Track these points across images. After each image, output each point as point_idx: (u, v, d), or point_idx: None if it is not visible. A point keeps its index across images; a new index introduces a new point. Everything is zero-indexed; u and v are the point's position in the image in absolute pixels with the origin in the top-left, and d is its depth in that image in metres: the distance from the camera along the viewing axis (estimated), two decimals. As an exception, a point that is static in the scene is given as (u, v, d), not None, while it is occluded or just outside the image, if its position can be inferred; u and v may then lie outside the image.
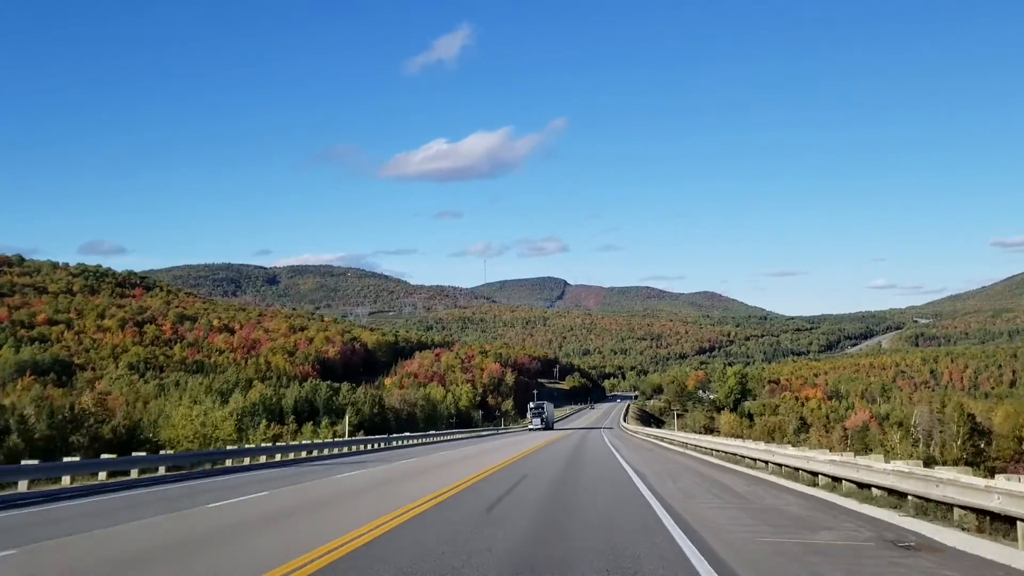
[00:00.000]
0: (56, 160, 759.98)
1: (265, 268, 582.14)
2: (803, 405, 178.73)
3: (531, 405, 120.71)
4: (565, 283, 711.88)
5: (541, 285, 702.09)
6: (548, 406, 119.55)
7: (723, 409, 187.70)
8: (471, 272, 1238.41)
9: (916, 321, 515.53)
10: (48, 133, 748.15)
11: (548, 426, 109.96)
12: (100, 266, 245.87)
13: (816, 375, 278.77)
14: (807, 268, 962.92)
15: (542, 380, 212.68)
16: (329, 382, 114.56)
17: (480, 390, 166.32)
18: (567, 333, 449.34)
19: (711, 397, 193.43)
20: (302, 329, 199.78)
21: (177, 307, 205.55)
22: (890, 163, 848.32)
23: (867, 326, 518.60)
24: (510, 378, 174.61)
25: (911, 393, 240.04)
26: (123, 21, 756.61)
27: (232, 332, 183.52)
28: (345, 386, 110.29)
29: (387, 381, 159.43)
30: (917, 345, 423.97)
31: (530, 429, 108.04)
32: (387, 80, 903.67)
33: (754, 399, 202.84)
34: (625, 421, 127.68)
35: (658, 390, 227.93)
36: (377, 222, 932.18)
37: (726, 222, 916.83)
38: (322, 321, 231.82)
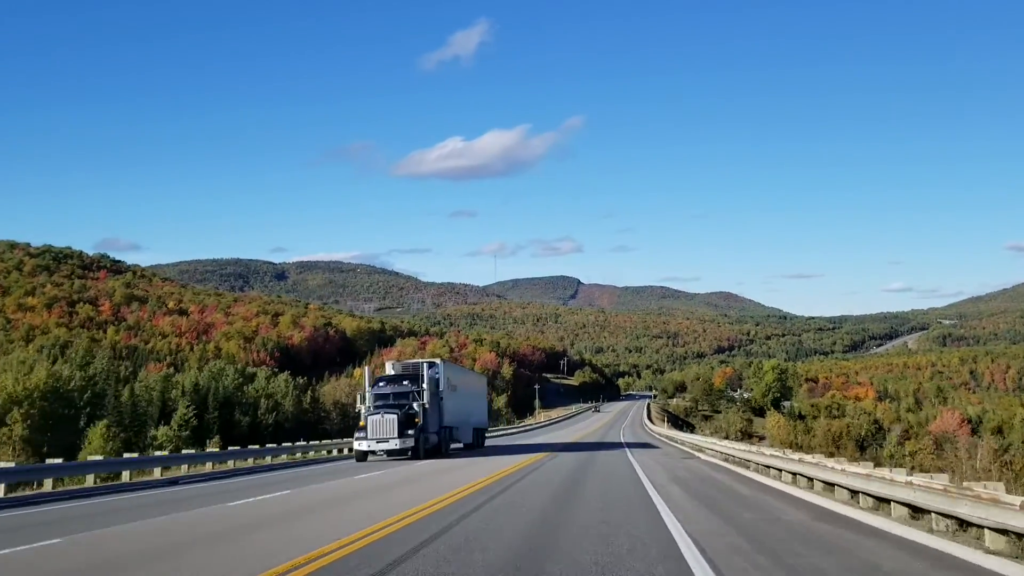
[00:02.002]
0: (74, 157, 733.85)
1: (274, 264, 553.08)
2: (855, 405, 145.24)
3: (375, 383, 34.23)
4: (578, 282, 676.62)
5: (554, 284, 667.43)
6: (438, 381, 33.59)
7: (762, 410, 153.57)
8: (485, 271, 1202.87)
9: (941, 322, 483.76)
10: (64, 128, 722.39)
11: (435, 447, 33.11)
12: (69, 248, 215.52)
13: (854, 374, 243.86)
14: (823, 271, 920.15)
15: (547, 375, 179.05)
16: (244, 367, 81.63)
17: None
18: (580, 330, 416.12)
19: (745, 396, 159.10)
20: (277, 314, 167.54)
21: (138, 290, 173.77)
22: (906, 167, 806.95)
23: (891, 326, 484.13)
24: (507, 370, 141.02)
25: (967, 395, 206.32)
26: (134, 14, 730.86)
27: (186, 315, 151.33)
28: (263, 372, 77.23)
29: (356, 372, 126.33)
30: (945, 345, 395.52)
31: (364, 451, 31.16)
32: (402, 77, 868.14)
33: (789, 399, 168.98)
34: (651, 421, 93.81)
35: (680, 388, 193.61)
36: (391, 221, 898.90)
37: (742, 224, 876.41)
38: (305, 308, 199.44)
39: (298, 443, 39.92)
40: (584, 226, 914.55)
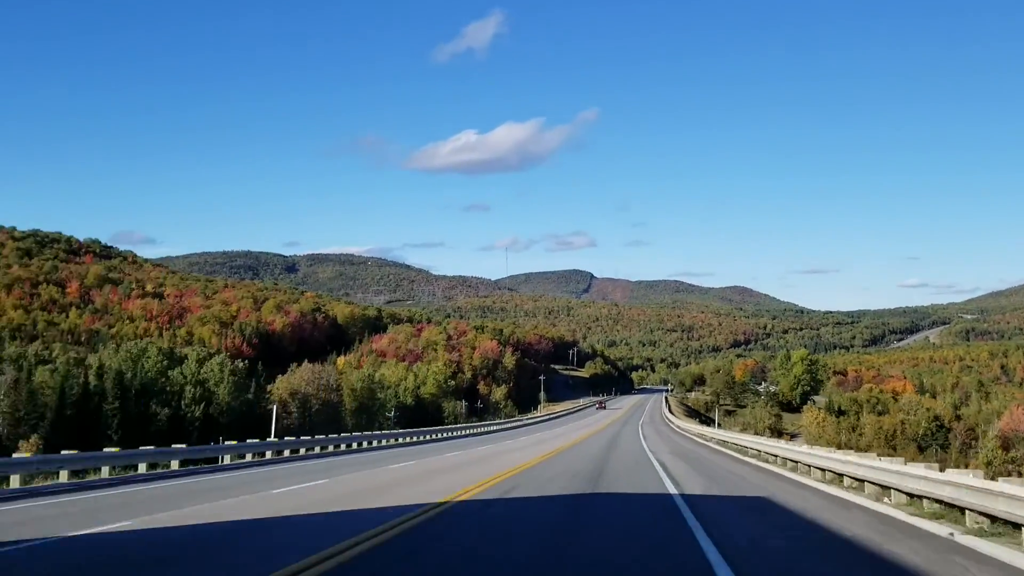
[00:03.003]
0: (92, 150, 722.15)
1: (284, 256, 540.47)
2: (909, 400, 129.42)
3: None
4: (591, 276, 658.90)
5: (567, 278, 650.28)
6: None
7: (790, 404, 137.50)
8: (498, 266, 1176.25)
9: (962, 316, 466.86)
10: (80, 122, 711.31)
11: None
12: (59, 233, 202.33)
13: (881, 367, 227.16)
14: (838, 266, 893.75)
15: (556, 366, 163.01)
16: (171, 348, 66.79)
17: (469, 374, 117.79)
18: (592, 323, 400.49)
19: (771, 389, 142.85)
20: (264, 300, 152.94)
21: (116, 273, 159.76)
22: (923, 162, 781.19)
23: (911, 321, 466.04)
24: (509, 359, 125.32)
25: (1011, 390, 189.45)
26: (145, 7, 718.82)
27: (161, 298, 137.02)
28: (194, 354, 62.02)
29: (340, 360, 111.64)
30: (967, 340, 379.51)
31: None
32: (416, 69, 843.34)
33: (818, 393, 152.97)
34: (673, 414, 77.84)
35: (699, 381, 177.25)
36: (405, 215, 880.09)
37: (756, 219, 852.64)
38: (300, 295, 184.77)
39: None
40: (598, 220, 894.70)
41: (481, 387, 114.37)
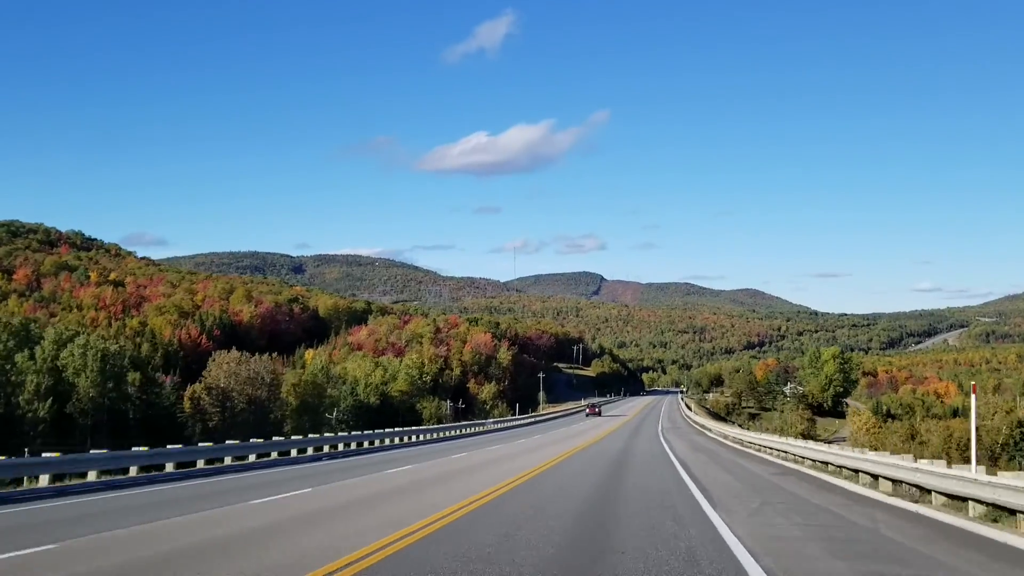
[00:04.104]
0: (107, 154, 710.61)
1: (292, 257, 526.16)
2: (941, 402, 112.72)
3: None
4: (601, 278, 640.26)
5: (576, 280, 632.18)
6: None
7: (821, 406, 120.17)
8: (507, 268, 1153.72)
9: (980, 319, 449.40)
10: (94, 126, 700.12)
11: None
12: (41, 224, 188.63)
13: (914, 368, 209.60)
14: (850, 270, 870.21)
15: (560, 364, 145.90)
16: (25, 323, 50.31)
17: (458, 370, 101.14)
18: (602, 324, 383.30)
19: (799, 390, 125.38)
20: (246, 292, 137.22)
21: (78, 262, 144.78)
22: (935, 165, 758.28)
23: (929, 323, 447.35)
24: (505, 355, 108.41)
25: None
26: (156, 13, 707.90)
27: (121, 287, 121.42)
28: (51, 334, 45.68)
29: (308, 354, 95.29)
30: (988, 342, 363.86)
31: None
32: (426, 70, 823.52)
33: (849, 395, 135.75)
34: (697, 416, 60.49)
35: (716, 382, 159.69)
36: (415, 217, 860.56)
37: (768, 222, 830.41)
38: (284, 287, 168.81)
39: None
40: (609, 223, 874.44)
41: (472, 385, 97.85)
